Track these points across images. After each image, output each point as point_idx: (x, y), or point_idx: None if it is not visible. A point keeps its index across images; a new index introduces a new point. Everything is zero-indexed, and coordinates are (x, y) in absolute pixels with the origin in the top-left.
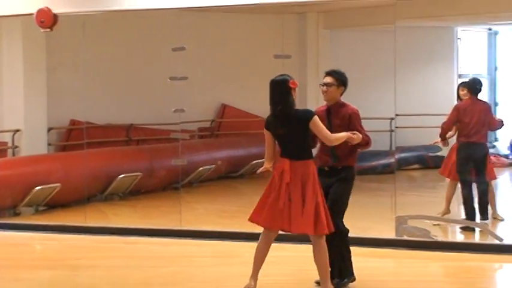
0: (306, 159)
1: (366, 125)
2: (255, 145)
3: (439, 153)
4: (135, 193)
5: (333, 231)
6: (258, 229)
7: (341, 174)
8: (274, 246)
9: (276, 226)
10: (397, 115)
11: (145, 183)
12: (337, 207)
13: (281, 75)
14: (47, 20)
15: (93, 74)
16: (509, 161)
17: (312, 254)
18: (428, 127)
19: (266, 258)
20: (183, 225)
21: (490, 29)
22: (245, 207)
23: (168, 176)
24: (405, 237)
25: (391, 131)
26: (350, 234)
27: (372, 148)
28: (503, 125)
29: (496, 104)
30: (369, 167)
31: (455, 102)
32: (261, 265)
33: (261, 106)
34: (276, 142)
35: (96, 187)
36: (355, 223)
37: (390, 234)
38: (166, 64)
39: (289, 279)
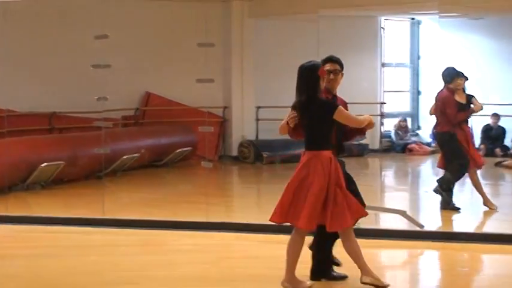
0: (324, 149)
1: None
2: (179, 133)
3: (362, 142)
4: (58, 182)
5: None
6: (181, 217)
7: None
8: (193, 234)
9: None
10: None
11: (68, 172)
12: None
13: (311, 61)
14: None
15: (15, 62)
16: (431, 148)
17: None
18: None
19: (186, 247)
20: (106, 214)
21: (413, 19)
22: (169, 196)
23: (91, 164)
24: None
25: None
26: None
27: None
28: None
29: (419, 93)
30: (292, 155)
31: (379, 90)
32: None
33: (185, 94)
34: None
35: (18, 176)
36: None
37: None
38: (89, 52)
39: (214, 267)
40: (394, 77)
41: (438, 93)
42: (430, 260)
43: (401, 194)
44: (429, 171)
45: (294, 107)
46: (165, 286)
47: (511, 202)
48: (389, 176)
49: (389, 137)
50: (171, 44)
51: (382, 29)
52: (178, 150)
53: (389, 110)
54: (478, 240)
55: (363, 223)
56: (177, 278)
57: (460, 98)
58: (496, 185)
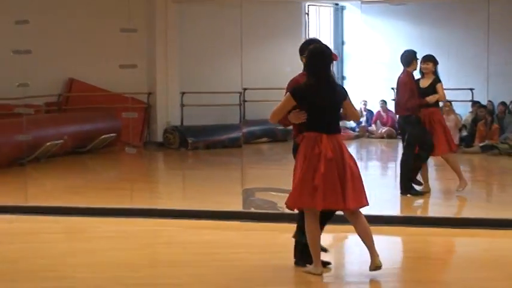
0: (339, 132)
1: (215, 99)
2: (103, 120)
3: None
4: None
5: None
6: (105, 204)
7: None
8: (117, 220)
9: (331, 205)
10: (245, 89)
11: None
12: None
13: (317, 42)
14: None
15: None
16: (355, 133)
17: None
18: (277, 101)
19: (109, 234)
20: (29, 201)
21: (336, 4)
22: (93, 182)
23: (14, 151)
24: (253, 210)
25: (240, 104)
26: (200, 208)
27: (221, 122)
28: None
29: (343, 78)
30: (216, 141)
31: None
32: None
33: (109, 80)
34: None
35: None
36: (205, 197)
37: (238, 207)
38: (9, 37)
39: (136, 253)
40: None
41: (398, 77)
42: (353, 242)
43: None
44: (353, 156)
45: (299, 92)
46: (87, 273)
47: (433, 185)
48: None
49: None
50: (94, 29)
51: (306, 15)
52: (102, 137)
53: None
54: (400, 223)
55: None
56: (100, 264)
57: (424, 83)
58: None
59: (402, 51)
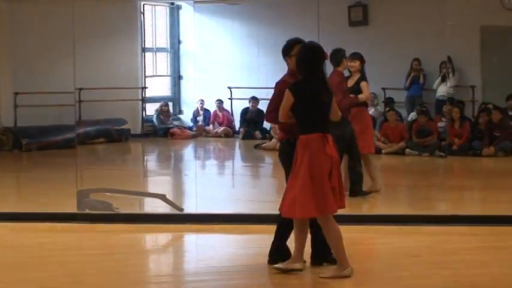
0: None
1: (51, 99)
2: None
3: (123, 127)
4: None
5: None
6: None
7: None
8: None
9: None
10: (80, 89)
11: None
12: None
13: (312, 42)
14: None
15: None
16: (192, 132)
17: None
18: (112, 100)
19: None
20: None
21: (172, 4)
22: None
23: None
24: (87, 211)
25: (74, 105)
26: (34, 210)
27: (57, 122)
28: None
29: (180, 78)
30: (51, 142)
31: (140, 75)
32: None
33: None
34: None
35: None
36: (38, 199)
37: (73, 208)
38: None
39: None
40: (155, 61)
41: (328, 78)
42: (190, 242)
43: (164, 178)
44: (191, 155)
45: (297, 88)
46: None
47: (270, 183)
48: (151, 161)
49: (151, 121)
50: None
51: (141, 14)
52: None
53: (150, 95)
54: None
55: (124, 208)
56: None
57: (350, 82)
58: (256, 167)
59: (332, 50)
